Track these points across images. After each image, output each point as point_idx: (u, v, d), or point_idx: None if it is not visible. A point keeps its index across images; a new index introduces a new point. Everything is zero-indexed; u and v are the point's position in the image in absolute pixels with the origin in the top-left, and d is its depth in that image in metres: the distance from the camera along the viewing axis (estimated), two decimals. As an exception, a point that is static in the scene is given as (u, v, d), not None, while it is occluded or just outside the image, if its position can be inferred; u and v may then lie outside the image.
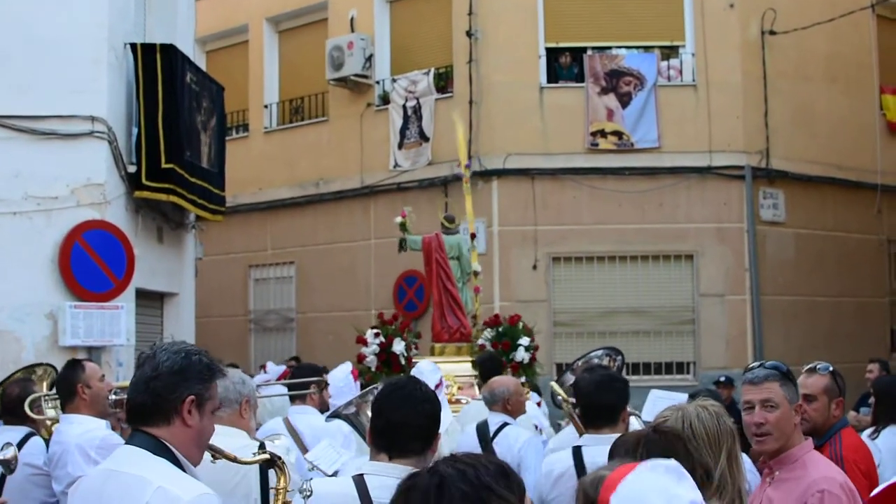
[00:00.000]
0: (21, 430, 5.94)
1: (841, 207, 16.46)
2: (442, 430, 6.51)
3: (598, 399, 5.32)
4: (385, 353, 10.31)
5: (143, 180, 11.15)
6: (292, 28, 19.07)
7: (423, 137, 16.36)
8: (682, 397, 6.13)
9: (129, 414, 3.26)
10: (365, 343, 10.62)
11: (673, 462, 2.34)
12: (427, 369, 8.61)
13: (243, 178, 17.79)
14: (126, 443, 3.26)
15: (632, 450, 3.39)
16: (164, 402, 3.17)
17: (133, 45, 11.36)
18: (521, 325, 11.23)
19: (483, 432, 6.99)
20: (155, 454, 3.14)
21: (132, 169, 11.16)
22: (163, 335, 12.78)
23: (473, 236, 11.12)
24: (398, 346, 10.18)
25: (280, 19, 19.13)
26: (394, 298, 16.55)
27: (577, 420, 5.94)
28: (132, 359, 11.25)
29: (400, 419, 3.75)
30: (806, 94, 16.13)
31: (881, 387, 7.84)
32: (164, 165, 11.22)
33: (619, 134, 15.38)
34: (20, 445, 5.59)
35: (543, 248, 15.13)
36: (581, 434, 5.61)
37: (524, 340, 10.78)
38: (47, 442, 5.84)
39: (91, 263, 10.45)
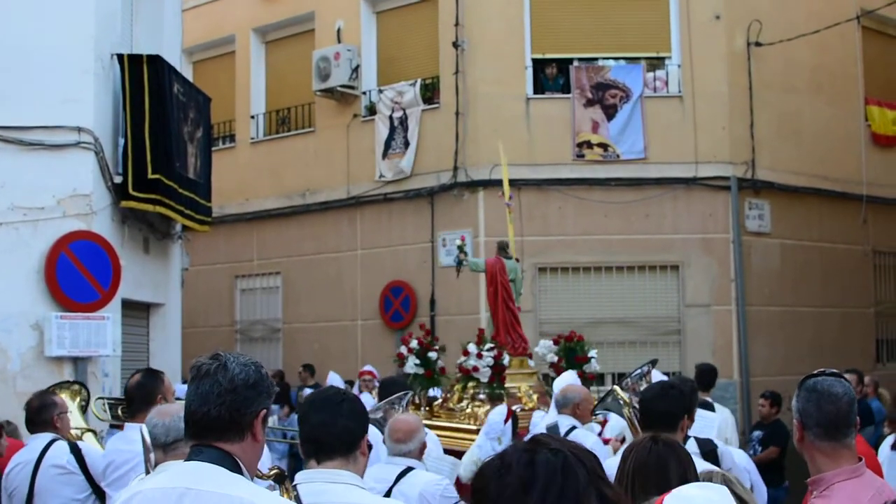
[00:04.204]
0: (46, 437, 6.22)
1: (826, 218, 16.53)
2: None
3: (655, 406, 5.52)
4: (498, 365, 10.54)
5: (130, 191, 11.15)
6: (279, 39, 19.07)
7: (409, 148, 16.36)
8: (712, 415, 6.30)
9: (197, 427, 3.04)
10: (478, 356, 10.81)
11: (724, 487, 2.39)
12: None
13: (230, 188, 17.80)
14: (192, 458, 3.04)
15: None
16: (242, 416, 3.03)
17: (120, 56, 11.36)
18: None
19: (555, 433, 7.11)
20: (232, 471, 2.98)
21: (118, 179, 11.15)
22: (149, 346, 12.78)
23: (517, 260, 11.33)
24: (506, 360, 10.42)
25: (267, 30, 19.14)
26: (380, 309, 16.55)
27: (636, 424, 6.26)
28: (118, 369, 11.23)
29: (321, 422, 3.81)
30: (792, 106, 16.19)
31: None
32: (150, 176, 11.22)
33: (604, 146, 15.40)
34: (45, 449, 6.10)
35: (529, 258, 15.13)
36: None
37: (593, 352, 11.03)
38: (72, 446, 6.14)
39: (77, 274, 10.44)
